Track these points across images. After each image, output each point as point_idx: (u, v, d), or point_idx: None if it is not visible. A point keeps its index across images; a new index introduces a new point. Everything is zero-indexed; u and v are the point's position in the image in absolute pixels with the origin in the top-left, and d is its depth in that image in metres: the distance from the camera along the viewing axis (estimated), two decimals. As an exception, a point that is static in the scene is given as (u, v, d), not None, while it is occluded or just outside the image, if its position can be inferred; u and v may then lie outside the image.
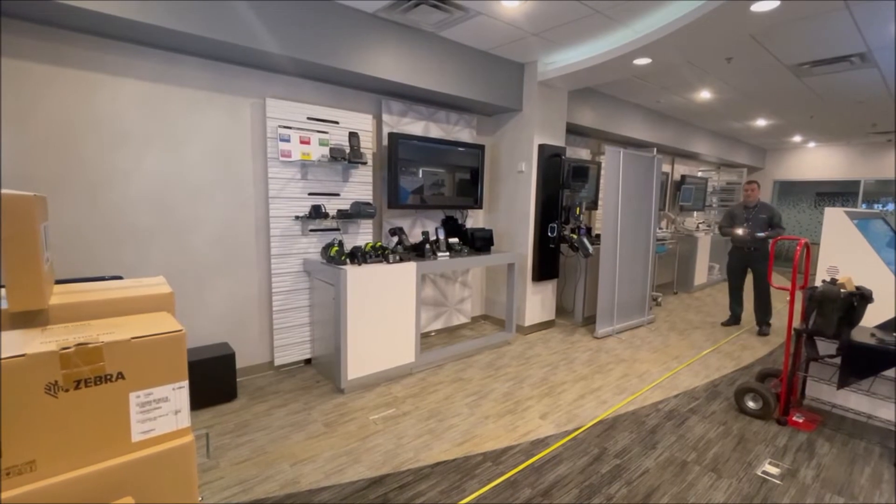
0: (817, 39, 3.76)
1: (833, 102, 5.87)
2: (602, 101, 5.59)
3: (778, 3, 2.69)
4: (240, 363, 3.29)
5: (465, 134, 4.55)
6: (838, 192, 9.68)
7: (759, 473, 2.37)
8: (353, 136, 3.54)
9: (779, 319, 5.39)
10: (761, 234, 4.75)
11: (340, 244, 3.40)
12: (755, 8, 2.76)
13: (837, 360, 2.66)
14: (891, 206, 9.10)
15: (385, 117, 3.94)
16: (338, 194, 3.69)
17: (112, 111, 2.75)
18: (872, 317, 2.74)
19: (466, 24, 3.47)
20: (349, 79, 3.48)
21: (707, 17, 2.88)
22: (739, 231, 4.89)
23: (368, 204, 3.65)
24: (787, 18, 2.95)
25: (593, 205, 5.95)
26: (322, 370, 3.50)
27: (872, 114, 6.46)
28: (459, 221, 4.49)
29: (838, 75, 4.68)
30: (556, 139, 4.68)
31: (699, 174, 8.78)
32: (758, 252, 4.83)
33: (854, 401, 2.92)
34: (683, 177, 8.18)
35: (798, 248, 2.89)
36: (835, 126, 7.53)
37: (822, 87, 5.18)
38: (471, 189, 4.45)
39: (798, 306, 2.94)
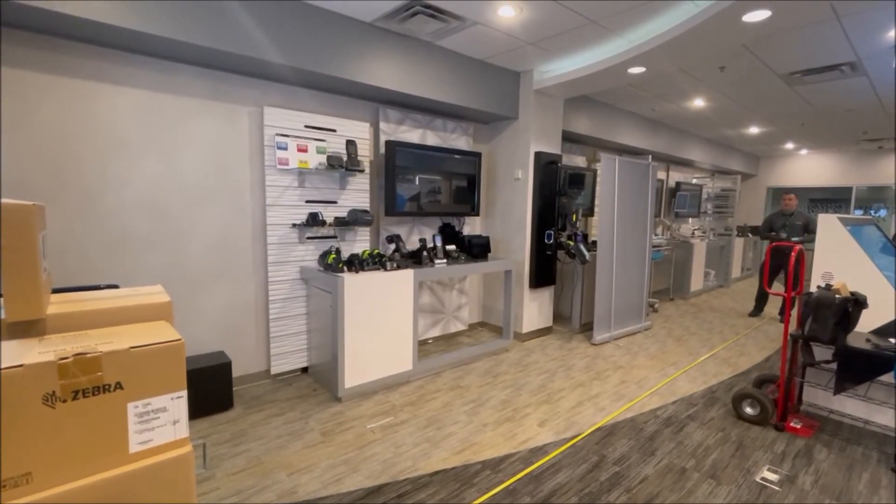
0: (808, 49, 3.83)
1: (824, 110, 5.95)
2: (597, 109, 5.64)
3: (769, 13, 2.74)
4: (236, 372, 3.27)
5: (461, 142, 4.58)
6: (831, 199, 9.79)
7: (758, 480, 2.37)
8: (351, 143, 3.56)
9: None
10: (796, 239, 5.24)
11: (338, 252, 3.40)
12: (747, 18, 2.81)
13: (834, 366, 2.68)
14: (883, 213, 9.19)
15: (382, 125, 3.96)
16: (335, 202, 3.69)
17: (109, 119, 2.75)
18: (867, 322, 2.76)
19: (463, 34, 3.51)
20: (347, 87, 3.50)
21: (700, 27, 2.92)
22: (783, 236, 5.46)
23: (366, 211, 3.66)
24: (779, 28, 3.00)
25: (589, 211, 5.98)
26: (319, 378, 3.48)
27: (863, 122, 6.55)
28: (456, 228, 4.50)
29: (829, 84, 4.75)
30: (553, 147, 4.72)
31: (694, 181, 8.86)
32: (787, 255, 5.11)
33: (851, 406, 2.93)
34: (678, 183, 8.25)
35: (792, 253, 2.91)
36: (826, 134, 7.63)
37: (814, 96, 5.25)
38: (468, 196, 4.46)
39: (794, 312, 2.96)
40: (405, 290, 3.45)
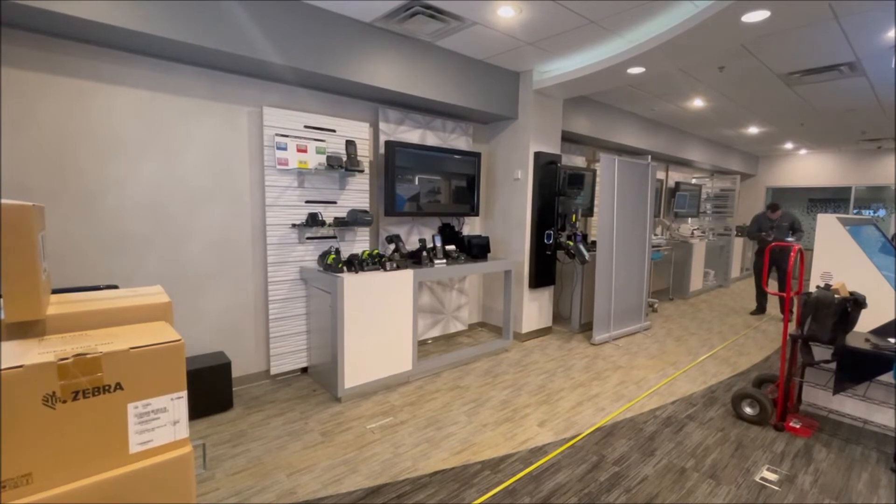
0: (807, 49, 3.83)
1: (823, 111, 5.96)
2: (597, 110, 5.64)
3: (768, 13, 2.74)
4: (236, 372, 3.27)
5: (461, 142, 4.58)
6: (830, 199, 9.80)
7: (758, 480, 2.37)
8: (350, 144, 3.56)
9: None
10: (791, 239, 5.54)
11: (337, 252, 3.40)
12: (746, 18, 2.81)
13: (833, 366, 2.68)
14: (882, 213, 9.21)
15: (382, 125, 3.96)
16: (335, 202, 3.69)
17: (108, 120, 2.75)
18: (866, 322, 2.76)
19: (462, 34, 3.51)
20: (346, 87, 3.50)
21: (699, 27, 2.92)
22: (771, 237, 5.67)
23: (365, 212, 3.66)
24: (778, 28, 3.00)
25: (589, 212, 5.99)
26: (319, 379, 3.48)
27: (862, 122, 6.56)
28: (456, 229, 4.50)
29: (828, 84, 4.75)
30: (552, 147, 4.72)
31: (693, 181, 8.86)
32: (782, 253, 5.50)
33: (850, 406, 2.93)
34: (678, 184, 8.26)
35: (791, 254, 2.91)
36: (825, 134, 7.63)
37: (813, 96, 5.25)
38: (467, 196, 4.47)
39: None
40: (405, 290, 3.45)
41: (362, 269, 3.26)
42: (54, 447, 0.82)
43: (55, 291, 1.17)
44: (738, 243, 8.53)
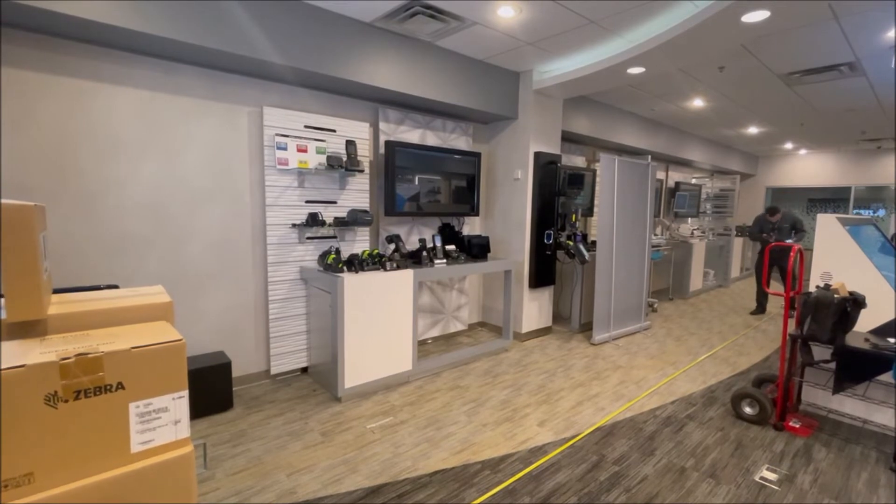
0: (807, 49, 3.83)
1: (823, 111, 5.96)
2: (597, 110, 5.65)
3: (768, 13, 2.74)
4: (236, 372, 3.27)
5: (461, 142, 4.58)
6: (829, 199, 9.80)
7: (758, 479, 2.37)
8: (350, 144, 3.56)
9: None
10: (790, 241, 5.58)
11: (337, 252, 3.40)
12: (746, 18, 2.81)
13: (832, 365, 2.68)
14: (882, 213, 9.21)
15: (382, 125, 3.96)
16: (335, 202, 3.69)
17: (109, 120, 2.75)
18: (866, 322, 2.77)
19: (462, 34, 3.51)
20: (346, 87, 3.50)
21: (699, 27, 2.93)
22: (772, 238, 5.73)
23: (365, 212, 3.66)
24: (778, 28, 3.01)
25: (589, 212, 5.99)
26: (319, 379, 3.48)
27: (862, 122, 6.56)
28: (456, 229, 4.50)
29: (828, 84, 4.76)
30: (552, 147, 4.72)
31: (693, 181, 8.87)
32: (783, 253, 5.58)
33: (850, 406, 2.93)
34: (678, 184, 8.26)
35: (791, 254, 2.91)
36: (825, 134, 7.64)
37: (813, 96, 5.26)
38: (467, 196, 4.47)
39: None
40: (405, 290, 3.45)
41: (362, 269, 3.26)
42: (56, 447, 0.82)
43: (56, 291, 1.17)
44: (738, 243, 8.53)
